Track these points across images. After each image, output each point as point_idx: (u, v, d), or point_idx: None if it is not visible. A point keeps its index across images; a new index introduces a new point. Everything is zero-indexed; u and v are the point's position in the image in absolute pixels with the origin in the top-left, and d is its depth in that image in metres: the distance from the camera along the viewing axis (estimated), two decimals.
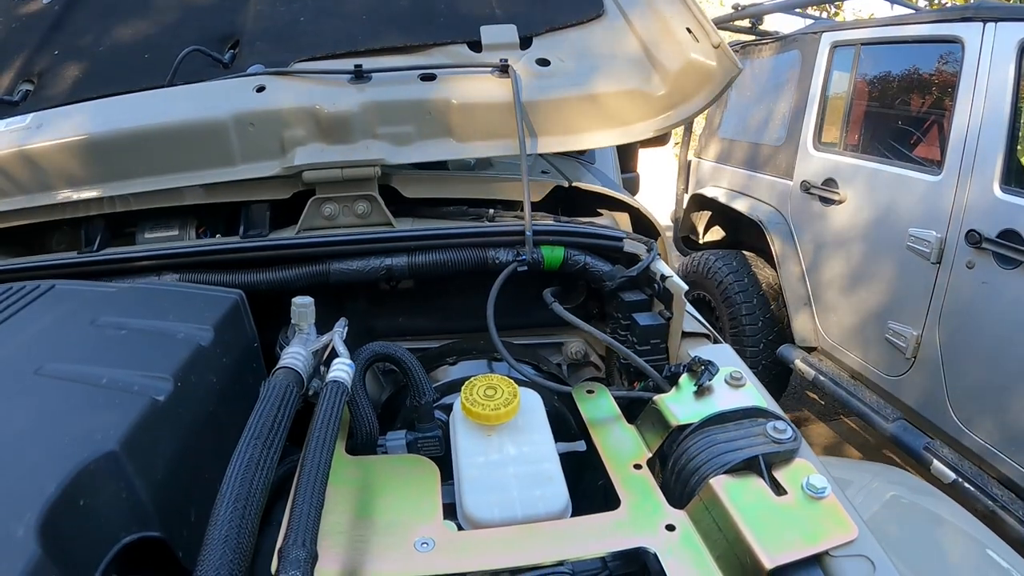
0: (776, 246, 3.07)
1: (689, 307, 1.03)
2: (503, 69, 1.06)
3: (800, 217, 3.01)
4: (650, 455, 0.70)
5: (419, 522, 0.61)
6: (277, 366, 0.71)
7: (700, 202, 3.81)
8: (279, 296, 0.98)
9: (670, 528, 0.60)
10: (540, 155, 1.31)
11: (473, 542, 0.59)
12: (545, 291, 0.95)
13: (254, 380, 0.88)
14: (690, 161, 4.00)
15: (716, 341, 0.94)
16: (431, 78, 1.06)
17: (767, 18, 3.92)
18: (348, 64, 1.09)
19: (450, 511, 0.65)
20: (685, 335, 0.92)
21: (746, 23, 3.77)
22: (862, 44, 2.88)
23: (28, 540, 0.51)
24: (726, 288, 3.27)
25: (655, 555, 0.58)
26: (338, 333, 0.77)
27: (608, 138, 1.06)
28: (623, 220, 1.16)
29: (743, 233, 3.51)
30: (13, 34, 1.51)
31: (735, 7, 3.69)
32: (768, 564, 0.52)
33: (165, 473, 0.66)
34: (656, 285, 0.95)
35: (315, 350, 0.77)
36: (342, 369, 0.68)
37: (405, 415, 0.89)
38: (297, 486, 0.56)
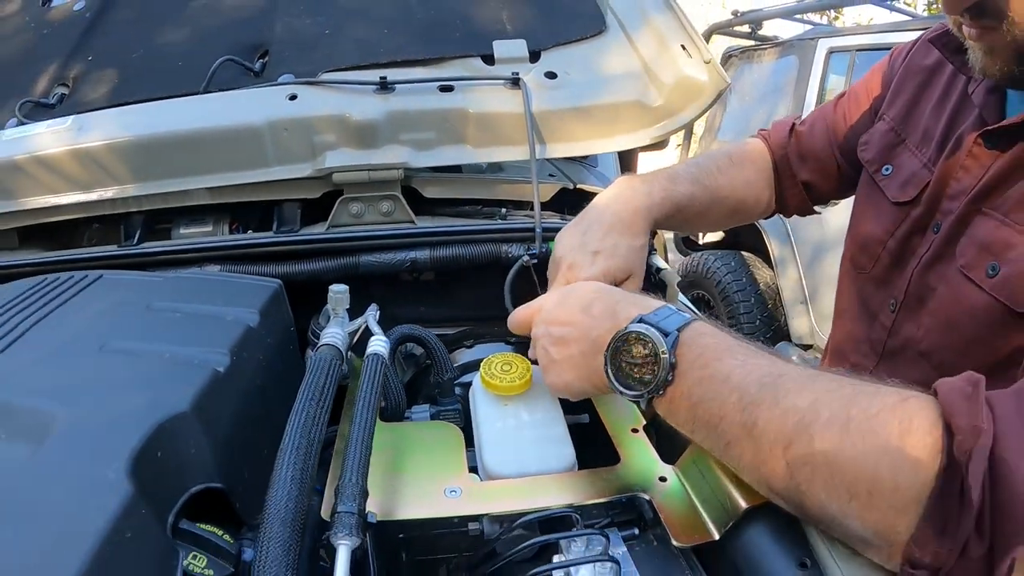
0: (774, 247, 3.19)
1: (681, 296, 1.14)
2: (515, 82, 1.17)
3: (797, 219, 3.11)
4: (645, 422, 0.81)
5: (447, 475, 0.72)
6: (320, 343, 0.82)
7: None
8: (310, 286, 1.08)
9: (662, 479, 0.71)
10: (547, 159, 1.42)
11: (494, 490, 0.70)
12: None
13: (292, 360, 0.99)
14: None
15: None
16: (449, 89, 1.17)
17: (767, 23, 4.03)
18: (373, 75, 1.20)
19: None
20: None
21: (745, 28, 3.88)
22: (857, 50, 2.99)
23: (121, 481, 0.60)
24: (725, 288, 3.38)
25: (649, 501, 0.68)
26: (371, 316, 0.88)
27: (610, 145, 1.17)
28: None
29: (742, 234, 3.62)
30: (45, 39, 1.61)
31: (734, 13, 3.81)
32: (744, 504, 0.62)
33: (224, 435, 0.76)
34: (651, 277, 1.05)
35: (350, 331, 0.88)
36: (379, 344, 0.79)
37: (427, 393, 1.00)
38: (349, 436, 0.67)
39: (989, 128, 0.81)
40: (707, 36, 4.05)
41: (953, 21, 0.78)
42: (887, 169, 1.00)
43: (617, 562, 0.60)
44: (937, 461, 0.49)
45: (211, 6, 1.56)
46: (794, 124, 1.15)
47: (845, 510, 0.53)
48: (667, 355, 0.61)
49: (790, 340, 3.15)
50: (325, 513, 0.65)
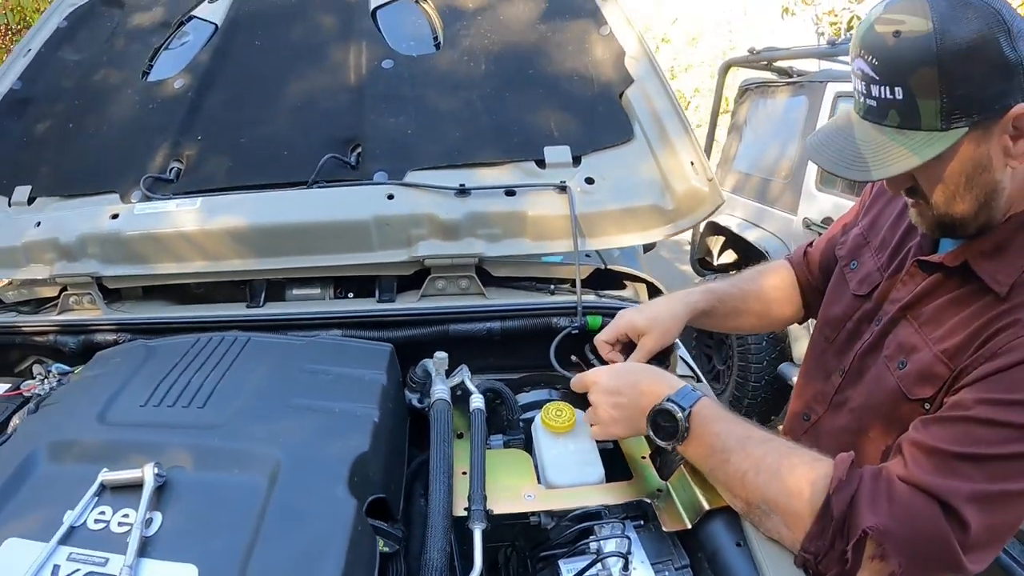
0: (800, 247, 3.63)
1: (683, 352, 1.61)
2: (562, 189, 1.63)
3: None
4: (650, 452, 1.29)
5: (524, 484, 1.19)
6: (435, 399, 1.28)
7: (715, 228, 4.38)
8: (406, 345, 1.51)
9: (660, 490, 1.18)
10: None
11: (556, 494, 1.17)
12: (587, 346, 1.52)
13: (403, 404, 1.39)
14: None
15: (699, 380, 1.53)
16: (512, 194, 1.64)
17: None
18: (451, 176, 1.67)
19: None
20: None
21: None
22: None
23: (347, 497, 0.99)
24: None
25: (650, 504, 1.16)
26: (466, 376, 1.36)
27: (633, 239, 1.64)
28: (641, 290, 1.74)
29: (753, 258, 4.07)
30: (153, 114, 1.98)
31: (750, 50, 4.25)
32: (707, 506, 1.09)
33: (380, 462, 1.14)
34: None
35: (451, 386, 1.35)
36: (479, 401, 1.27)
37: (497, 424, 1.45)
38: (472, 464, 1.14)
39: (921, 258, 1.16)
40: (725, 69, 4.51)
41: None
42: (853, 264, 1.35)
43: (630, 538, 1.08)
44: (823, 496, 0.97)
45: (302, 92, 1.97)
46: (808, 247, 1.58)
47: (770, 515, 1.02)
48: (683, 422, 1.09)
49: (792, 360, 3.60)
50: (459, 509, 1.11)
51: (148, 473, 0.98)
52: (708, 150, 4.69)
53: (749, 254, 4.08)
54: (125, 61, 2.18)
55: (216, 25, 2.19)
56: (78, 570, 0.89)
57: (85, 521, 0.97)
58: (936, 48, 0.92)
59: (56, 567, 0.90)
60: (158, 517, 0.97)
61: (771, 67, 4.31)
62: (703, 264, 4.59)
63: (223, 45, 2.12)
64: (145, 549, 0.92)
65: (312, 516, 0.96)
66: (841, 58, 3.74)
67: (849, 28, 6.55)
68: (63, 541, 0.93)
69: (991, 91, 0.93)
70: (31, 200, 1.89)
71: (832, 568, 0.96)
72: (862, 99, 1.02)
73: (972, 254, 1.07)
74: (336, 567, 0.88)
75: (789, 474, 1.00)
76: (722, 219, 4.27)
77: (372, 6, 2.16)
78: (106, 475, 1.01)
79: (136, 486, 0.99)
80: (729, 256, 4.48)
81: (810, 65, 4.18)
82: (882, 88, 0.98)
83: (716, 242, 4.49)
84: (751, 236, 3.92)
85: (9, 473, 1.05)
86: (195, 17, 2.25)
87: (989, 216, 1.04)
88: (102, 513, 0.97)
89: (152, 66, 2.15)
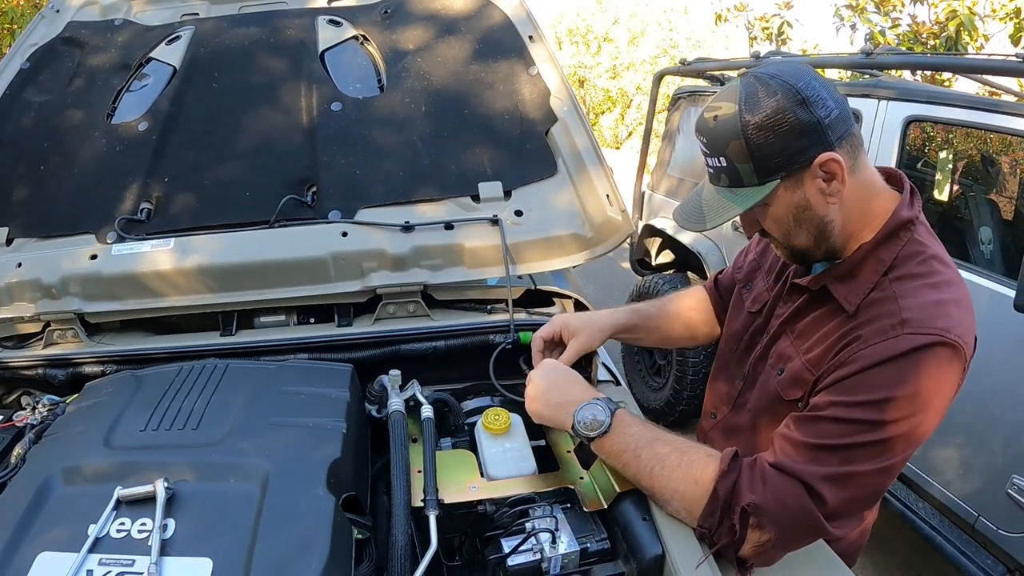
0: (711, 272, 3.98)
1: (606, 358, 1.91)
2: (494, 222, 1.92)
3: (732, 250, 3.92)
4: (574, 447, 1.58)
5: (469, 478, 1.47)
6: (391, 410, 1.55)
7: (652, 230, 4.71)
8: (364, 364, 1.78)
9: (581, 478, 1.48)
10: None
11: (496, 485, 1.45)
12: (521, 358, 1.81)
13: (363, 417, 1.62)
14: (644, 192, 4.91)
15: (618, 383, 1.83)
16: (451, 228, 1.92)
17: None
18: (398, 214, 1.93)
19: None
20: (599, 382, 1.80)
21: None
22: None
23: (327, 496, 1.23)
24: None
25: (574, 490, 1.45)
26: (417, 390, 1.64)
27: (556, 264, 1.93)
28: (569, 306, 2.04)
29: (689, 257, 4.41)
30: (119, 157, 2.15)
31: (682, 61, 4.60)
32: (618, 489, 1.39)
33: (349, 466, 1.38)
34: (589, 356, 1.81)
35: (405, 398, 1.63)
36: (429, 411, 1.55)
37: (445, 428, 1.73)
38: (424, 463, 1.42)
39: (794, 280, 1.39)
40: (658, 78, 4.84)
41: None
42: (748, 286, 1.58)
43: (557, 518, 1.37)
44: (712, 484, 1.25)
45: (260, 133, 2.19)
46: (718, 275, 1.81)
47: (670, 499, 1.30)
48: (607, 421, 1.34)
49: None
50: (417, 501, 1.39)
51: (159, 487, 1.19)
52: (644, 155, 5.03)
53: (686, 252, 4.40)
54: (89, 102, 2.32)
55: (175, 67, 2.39)
56: (110, 572, 1.08)
57: (108, 531, 1.15)
58: (740, 125, 1.16)
59: (90, 572, 1.08)
60: (171, 523, 1.17)
61: (703, 75, 4.65)
62: (642, 264, 4.92)
63: (183, 88, 2.32)
64: (165, 549, 1.12)
65: (300, 513, 1.20)
66: None
67: (780, 33, 6.97)
68: (92, 549, 1.11)
69: (792, 149, 1.16)
70: (9, 241, 2.04)
71: (724, 538, 1.24)
72: (706, 167, 1.28)
73: (830, 279, 1.30)
74: (323, 552, 1.14)
75: (688, 468, 1.28)
76: (658, 222, 4.58)
77: (320, 49, 2.40)
78: (122, 491, 1.19)
79: (149, 499, 1.19)
80: (666, 256, 4.81)
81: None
82: (712, 159, 1.24)
83: (653, 243, 4.81)
84: (685, 239, 4.24)
85: (29, 497, 1.23)
86: (154, 59, 2.44)
87: (829, 245, 1.27)
88: (122, 524, 1.16)
89: (116, 108, 2.32)
